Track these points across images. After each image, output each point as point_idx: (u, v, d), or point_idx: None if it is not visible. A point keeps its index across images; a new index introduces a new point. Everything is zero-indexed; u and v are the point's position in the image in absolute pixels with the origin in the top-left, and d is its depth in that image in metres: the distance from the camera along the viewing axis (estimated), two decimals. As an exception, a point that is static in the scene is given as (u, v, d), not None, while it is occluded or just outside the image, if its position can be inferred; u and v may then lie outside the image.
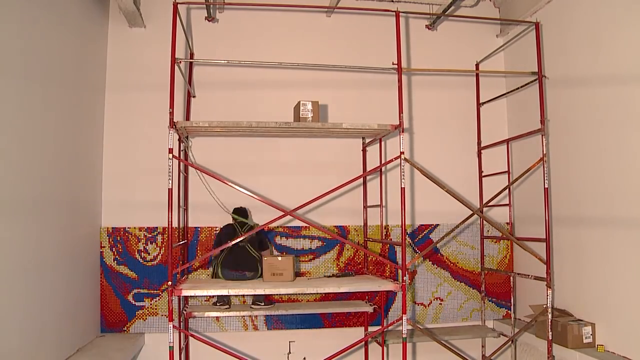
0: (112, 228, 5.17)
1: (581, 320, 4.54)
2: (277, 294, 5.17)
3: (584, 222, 4.65)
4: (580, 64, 4.70)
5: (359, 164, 5.39)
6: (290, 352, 5.31)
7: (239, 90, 5.45)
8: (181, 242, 4.99)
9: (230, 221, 5.00)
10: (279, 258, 4.53)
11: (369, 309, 5.10)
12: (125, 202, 5.18)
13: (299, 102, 4.49)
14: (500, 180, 5.38)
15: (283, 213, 4.15)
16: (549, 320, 4.46)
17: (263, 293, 4.50)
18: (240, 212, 4.99)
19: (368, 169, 5.32)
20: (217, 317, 5.24)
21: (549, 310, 4.48)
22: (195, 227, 5.28)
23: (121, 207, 5.19)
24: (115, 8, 5.16)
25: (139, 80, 5.28)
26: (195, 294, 4.89)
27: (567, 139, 4.86)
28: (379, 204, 5.24)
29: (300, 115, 4.43)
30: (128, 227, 5.19)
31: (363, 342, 5.20)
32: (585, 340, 4.36)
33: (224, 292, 4.18)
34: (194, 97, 5.37)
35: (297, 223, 5.37)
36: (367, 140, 5.36)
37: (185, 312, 4.76)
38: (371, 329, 5.30)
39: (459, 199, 4.73)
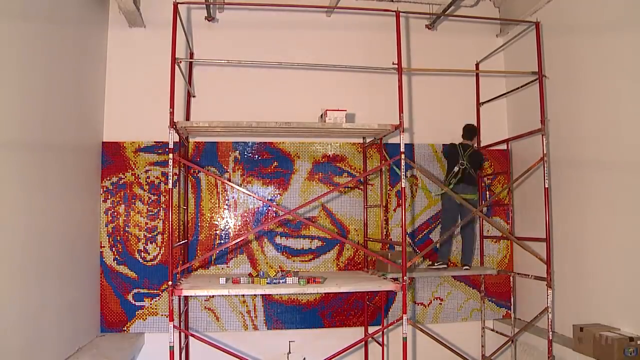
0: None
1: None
2: (277, 294, 5.17)
3: (586, 222, 4.65)
4: (580, 64, 4.71)
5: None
6: (290, 352, 5.30)
7: (239, 90, 5.45)
8: (181, 242, 4.99)
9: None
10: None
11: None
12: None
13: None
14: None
15: (284, 212, 4.16)
16: (549, 320, 4.46)
17: (263, 293, 4.50)
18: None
19: (368, 168, 5.33)
20: (217, 317, 5.24)
21: (549, 310, 4.49)
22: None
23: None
24: (115, 8, 5.16)
25: (138, 80, 5.28)
26: (195, 294, 4.89)
27: (567, 138, 4.87)
28: (380, 203, 5.24)
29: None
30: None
31: (363, 342, 5.20)
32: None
33: (223, 292, 4.18)
34: (194, 97, 5.37)
35: (297, 223, 5.39)
36: (368, 140, 5.36)
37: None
38: (371, 329, 5.29)
39: (459, 198, 4.74)
